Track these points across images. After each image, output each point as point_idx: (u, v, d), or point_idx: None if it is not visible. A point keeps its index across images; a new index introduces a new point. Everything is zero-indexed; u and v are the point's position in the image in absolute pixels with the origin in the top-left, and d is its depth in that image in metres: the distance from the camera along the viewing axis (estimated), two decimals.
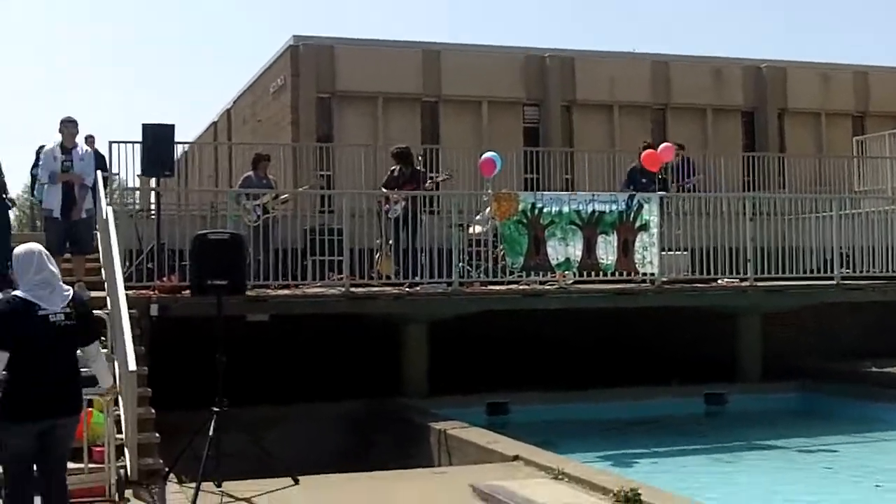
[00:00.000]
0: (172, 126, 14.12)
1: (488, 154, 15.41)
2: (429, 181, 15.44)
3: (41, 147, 13.47)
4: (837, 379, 15.56)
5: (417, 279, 14.17)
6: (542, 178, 21.49)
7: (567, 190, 18.83)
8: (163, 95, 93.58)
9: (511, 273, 14.45)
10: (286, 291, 13.60)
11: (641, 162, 15.99)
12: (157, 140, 13.91)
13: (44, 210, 12.20)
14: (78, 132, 12.20)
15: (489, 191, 15.08)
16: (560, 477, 9.03)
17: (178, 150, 19.23)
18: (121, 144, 16.75)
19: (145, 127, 14.05)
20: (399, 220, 14.47)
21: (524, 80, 24.58)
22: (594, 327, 16.08)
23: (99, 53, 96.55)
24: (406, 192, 14.52)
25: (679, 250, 15.60)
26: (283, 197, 15.22)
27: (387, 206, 14.73)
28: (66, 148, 12.01)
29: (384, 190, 14.93)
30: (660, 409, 14.53)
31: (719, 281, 15.47)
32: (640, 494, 6.93)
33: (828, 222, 16.40)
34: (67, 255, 12.10)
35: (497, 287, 14.68)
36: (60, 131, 12.02)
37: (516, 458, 9.94)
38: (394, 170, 15.54)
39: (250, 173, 15.22)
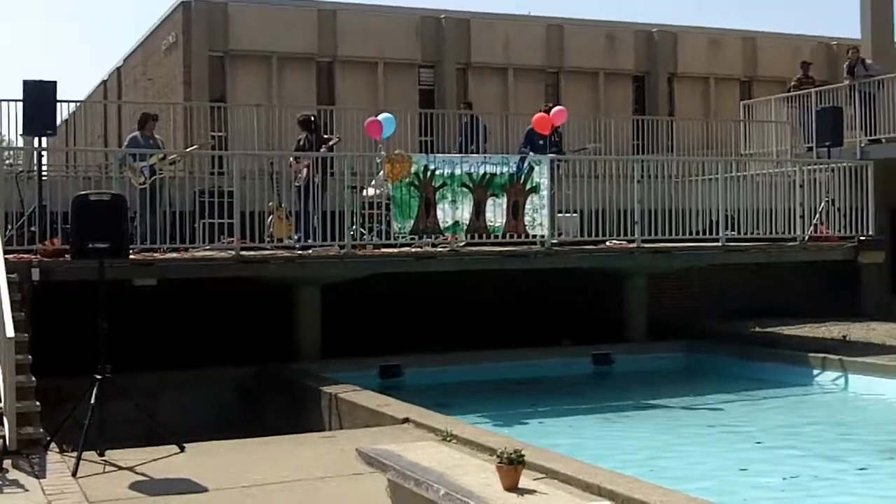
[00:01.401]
0: (54, 83, 13.65)
1: (378, 116, 15.32)
2: (324, 147, 15.36)
3: None
4: (721, 339, 16.00)
5: (310, 242, 14.09)
6: (437, 140, 21.51)
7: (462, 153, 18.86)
8: (50, 51, 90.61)
9: (398, 238, 14.44)
10: (175, 255, 13.35)
11: (533, 125, 16.08)
12: (38, 97, 13.44)
13: None
14: None
15: (383, 152, 15.02)
16: (448, 439, 9.08)
17: (65, 109, 18.71)
18: (2, 102, 16.27)
19: (26, 83, 13.57)
20: (304, 188, 14.37)
21: (420, 41, 24.50)
22: (486, 289, 16.21)
23: None
24: (297, 153, 14.46)
25: (570, 212, 15.78)
26: (171, 157, 14.93)
27: (297, 173, 14.61)
28: None
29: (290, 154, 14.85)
30: (549, 369, 14.75)
31: (608, 243, 15.71)
32: (523, 456, 6.98)
33: (714, 185, 16.74)
34: None
35: (390, 249, 14.65)
36: None
37: (406, 420, 9.97)
38: (300, 139, 15.44)
39: (136, 133, 14.92)
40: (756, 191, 17.45)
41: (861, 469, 9.75)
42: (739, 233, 16.84)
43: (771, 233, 17.00)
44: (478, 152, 17.33)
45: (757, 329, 16.13)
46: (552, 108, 16.91)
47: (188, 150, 16.08)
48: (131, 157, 13.96)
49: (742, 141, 22.75)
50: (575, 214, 15.70)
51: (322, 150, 15.05)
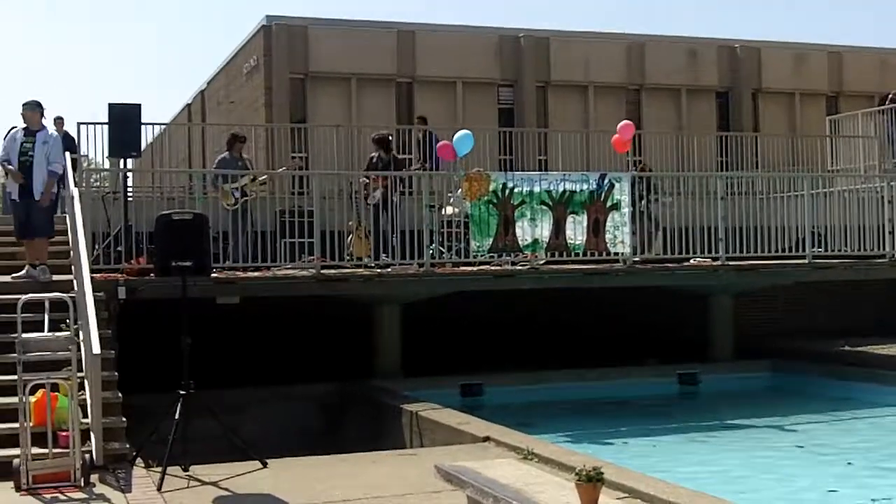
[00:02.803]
0: (139, 105, 13.94)
1: (457, 136, 15.30)
2: (408, 167, 15.51)
3: (12, 129, 13.29)
4: (809, 358, 15.65)
5: (388, 260, 14.13)
6: (516, 158, 21.45)
7: (541, 171, 18.79)
8: (138, 77, 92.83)
9: (477, 256, 14.37)
10: (257, 274, 13.48)
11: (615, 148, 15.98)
12: (123, 120, 13.72)
13: (7, 193, 12.05)
14: (41, 115, 11.96)
15: (461, 171, 15.02)
16: (529, 457, 9.01)
17: (149, 131, 19.06)
18: (89, 126, 16.62)
19: (111, 106, 13.87)
20: (378, 206, 14.43)
21: (499, 60, 24.51)
22: (567, 308, 16.07)
23: (69, 34, 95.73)
24: (380, 172, 14.54)
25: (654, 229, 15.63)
26: (261, 178, 15.09)
27: (365, 192, 14.68)
28: (31, 131, 11.83)
29: (363, 174, 14.91)
30: (633, 389, 14.58)
31: (691, 261, 15.48)
32: (602, 473, 6.88)
33: (800, 201, 16.42)
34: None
35: (469, 268, 14.61)
36: (22, 115, 11.86)
37: (487, 439, 9.92)
38: (373, 157, 15.53)
39: (225, 154, 15.06)
40: (844, 207, 17.08)
41: None
42: (827, 250, 16.48)
43: (859, 250, 16.61)
44: (433, 169, 17.14)
45: (846, 348, 15.73)
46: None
47: (279, 170, 16.20)
48: (222, 178, 14.12)
49: (829, 157, 22.30)
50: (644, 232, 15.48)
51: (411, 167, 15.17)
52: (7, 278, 11.82)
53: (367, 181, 14.69)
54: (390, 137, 15.98)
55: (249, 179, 14.37)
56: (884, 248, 16.56)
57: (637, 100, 25.69)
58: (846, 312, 17.26)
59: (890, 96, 21.59)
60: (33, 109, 11.85)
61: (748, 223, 15.93)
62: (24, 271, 11.92)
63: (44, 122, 12.03)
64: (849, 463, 10.66)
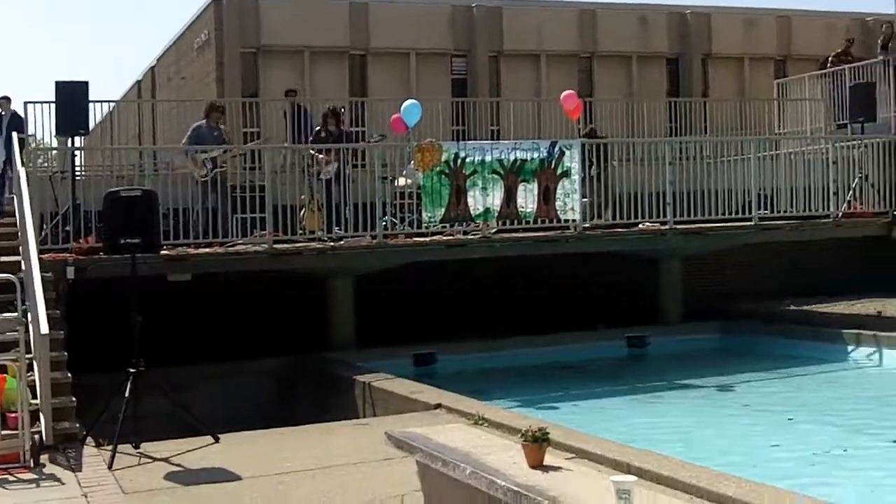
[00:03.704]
0: (86, 83, 13.82)
1: (404, 106, 15.35)
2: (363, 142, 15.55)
3: None
4: (756, 318, 15.91)
5: (341, 232, 14.21)
6: (469, 128, 21.54)
7: (494, 140, 18.88)
8: (85, 54, 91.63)
9: (429, 226, 14.47)
10: (208, 250, 13.51)
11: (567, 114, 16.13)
12: (70, 98, 13.61)
13: None
14: None
15: (413, 142, 15.09)
16: (480, 423, 9.17)
17: (99, 109, 18.97)
18: (36, 105, 16.52)
19: (58, 84, 13.75)
20: (331, 181, 14.46)
21: (451, 31, 24.46)
22: (519, 276, 16.22)
23: (11, 12, 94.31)
24: (331, 146, 14.58)
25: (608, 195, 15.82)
26: (250, 145, 14.90)
27: (317, 167, 14.70)
28: None
29: (313, 150, 14.90)
30: (583, 353, 14.77)
31: (640, 226, 15.68)
32: (547, 433, 7.05)
33: (747, 164, 16.63)
34: None
35: (421, 239, 14.71)
36: None
37: (438, 406, 10.08)
38: (319, 130, 15.50)
39: (202, 122, 14.89)
40: (790, 169, 17.34)
41: (894, 441, 9.70)
42: (773, 212, 16.73)
43: (805, 211, 16.88)
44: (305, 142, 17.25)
45: (792, 307, 16.02)
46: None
47: (250, 144, 15.93)
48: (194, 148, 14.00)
49: (776, 120, 22.57)
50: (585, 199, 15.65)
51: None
52: None
53: (320, 156, 14.69)
54: (342, 110, 15.98)
55: (222, 151, 14.27)
56: (828, 209, 16.83)
57: (589, 68, 25.75)
58: (793, 273, 17.53)
59: (831, 59, 21.89)
60: None
61: (696, 187, 16.13)
62: None
63: None
64: (789, 419, 10.92)
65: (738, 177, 16.56)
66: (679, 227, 15.66)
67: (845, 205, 16.92)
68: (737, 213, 16.36)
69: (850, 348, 13.94)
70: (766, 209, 16.57)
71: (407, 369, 13.18)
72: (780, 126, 22.31)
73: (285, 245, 13.94)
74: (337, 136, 15.28)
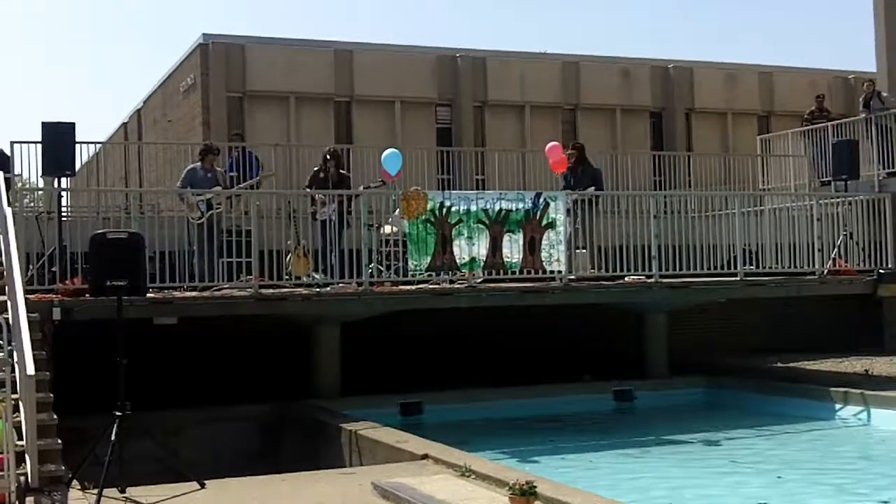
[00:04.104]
0: (73, 124, 13.78)
1: (384, 155, 15.38)
2: (364, 187, 15.54)
3: None
4: (742, 374, 15.90)
5: (327, 279, 14.17)
6: (454, 177, 21.63)
7: (479, 190, 18.93)
8: (73, 96, 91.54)
9: (415, 275, 14.44)
10: (194, 293, 13.42)
11: (551, 167, 16.19)
12: (56, 139, 13.57)
13: None
14: None
15: (399, 190, 15.10)
16: (467, 474, 9.09)
17: (85, 151, 18.87)
18: (23, 145, 16.46)
19: (44, 125, 13.72)
20: (327, 223, 14.39)
21: (436, 79, 24.68)
22: (505, 326, 16.18)
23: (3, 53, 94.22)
24: (330, 192, 14.59)
25: (583, 248, 15.82)
26: (266, 172, 14.76)
27: (313, 207, 14.66)
28: None
29: (311, 191, 14.88)
30: (570, 405, 14.70)
31: (626, 278, 15.70)
32: (535, 487, 7.02)
33: (732, 219, 16.71)
34: None
35: (408, 287, 14.67)
36: None
37: (425, 456, 9.98)
38: (318, 170, 15.46)
39: (196, 165, 14.87)
40: (774, 225, 17.44)
41: (883, 502, 9.66)
42: (758, 267, 16.80)
43: (790, 267, 16.95)
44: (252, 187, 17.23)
45: (778, 364, 16.03)
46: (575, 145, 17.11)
47: (253, 181, 15.79)
48: (189, 189, 14.00)
49: (760, 175, 22.76)
50: (584, 250, 15.69)
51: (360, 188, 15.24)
52: None
53: (319, 196, 14.63)
54: (341, 151, 16.02)
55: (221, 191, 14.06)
56: (814, 266, 16.91)
57: (573, 119, 26.02)
58: (778, 329, 17.59)
59: (805, 117, 22.17)
60: None
61: (681, 241, 16.17)
62: None
63: None
64: (778, 476, 10.86)
65: (723, 231, 16.62)
66: (664, 280, 15.67)
67: (830, 262, 17.00)
68: (722, 267, 16.39)
69: (837, 406, 13.92)
70: (751, 264, 16.62)
71: (393, 418, 13.07)
72: (764, 181, 22.50)
73: (271, 290, 13.85)
74: (336, 179, 15.25)
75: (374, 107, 24.06)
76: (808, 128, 21.85)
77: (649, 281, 15.65)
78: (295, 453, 12.59)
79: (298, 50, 23.62)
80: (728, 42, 78.19)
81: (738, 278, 16.25)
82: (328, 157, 15.56)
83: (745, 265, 16.37)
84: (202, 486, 9.23)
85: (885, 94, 20.72)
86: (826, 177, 19.95)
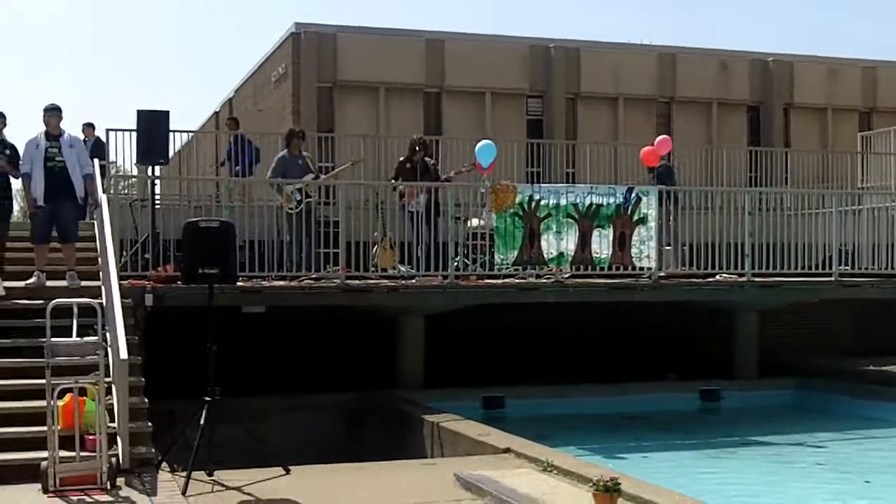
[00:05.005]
0: (167, 112, 13.97)
1: (478, 147, 15.32)
2: (450, 173, 15.52)
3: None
4: (833, 376, 15.58)
5: (413, 271, 14.22)
6: (544, 171, 21.51)
7: (569, 183, 18.80)
8: (170, 85, 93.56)
9: (502, 269, 14.40)
10: (282, 283, 13.59)
11: (642, 160, 15.98)
12: (151, 127, 13.75)
13: (30, 198, 11.89)
14: (61, 119, 11.88)
15: (487, 183, 15.08)
16: (549, 469, 9.09)
17: (178, 139, 19.21)
18: (117, 132, 16.81)
19: (140, 113, 13.91)
20: (417, 214, 14.43)
21: (528, 70, 24.48)
22: (591, 322, 16.08)
23: (98, 43, 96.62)
24: (419, 184, 14.59)
25: (679, 244, 15.63)
26: (353, 160, 14.94)
27: (402, 200, 14.69)
28: (52, 135, 11.78)
29: (399, 182, 14.89)
30: (655, 404, 14.55)
31: (717, 276, 15.47)
32: (619, 484, 6.96)
33: (828, 218, 16.36)
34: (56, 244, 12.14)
35: (493, 280, 14.65)
36: (44, 120, 11.79)
37: (507, 450, 10.00)
38: (404, 160, 15.41)
39: (284, 152, 14.83)
40: (872, 225, 17.02)
41: None
42: (854, 268, 16.41)
43: (888, 268, 16.53)
44: (245, 174, 16.92)
45: (870, 367, 15.67)
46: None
47: (344, 166, 15.76)
48: (280, 179, 14.05)
49: (860, 173, 22.21)
50: (669, 247, 15.47)
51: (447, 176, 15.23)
52: (21, 284, 11.85)
53: (407, 188, 14.64)
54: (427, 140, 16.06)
55: (314, 178, 14.14)
56: None
57: (667, 112, 25.63)
58: (872, 331, 17.17)
59: None
60: (56, 114, 11.81)
61: (776, 239, 15.89)
62: (33, 279, 11.84)
63: (62, 125, 12.01)
64: (867, 481, 10.63)
65: (818, 230, 16.26)
66: (757, 279, 15.40)
67: None
68: (817, 267, 16.05)
69: None
70: (846, 265, 16.25)
71: (475, 411, 13.11)
72: (863, 180, 21.94)
73: (357, 281, 13.96)
74: (423, 168, 15.26)
75: (465, 97, 23.99)
76: None
77: (741, 279, 15.40)
78: (378, 443, 12.70)
79: (390, 39, 23.65)
80: (831, 35, 76.47)
81: (832, 278, 15.90)
82: (416, 147, 15.48)
83: (840, 265, 16.01)
84: (287, 471, 9.40)
85: None
86: None
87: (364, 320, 14.70)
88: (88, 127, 18.22)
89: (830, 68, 26.92)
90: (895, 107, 25.50)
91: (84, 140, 17.90)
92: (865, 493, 10.25)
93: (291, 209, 13.97)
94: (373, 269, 14.31)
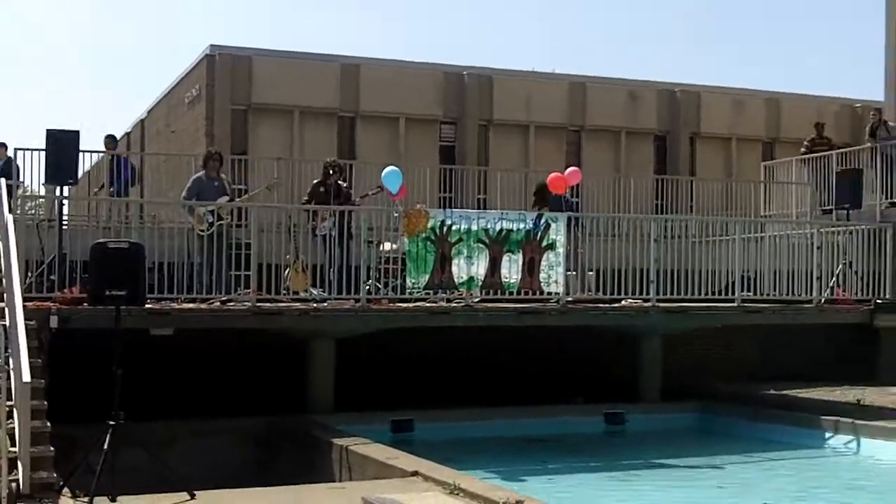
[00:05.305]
0: (77, 133, 13.82)
1: (385, 173, 15.41)
2: (359, 198, 15.56)
3: None
4: (735, 400, 15.91)
5: (323, 294, 14.23)
6: (456, 196, 21.70)
7: (481, 209, 19.00)
8: (75, 103, 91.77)
9: (413, 292, 14.49)
10: (191, 305, 13.50)
11: (548, 184, 16.22)
12: (60, 146, 13.60)
13: None
14: None
15: (400, 207, 15.18)
16: (456, 492, 9.15)
17: (87, 159, 18.98)
18: (25, 152, 16.58)
19: (49, 133, 13.73)
20: (327, 238, 14.43)
21: (442, 97, 24.78)
22: (500, 345, 16.20)
23: (8, 57, 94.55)
24: (330, 207, 14.63)
25: (586, 270, 15.87)
26: (270, 183, 14.95)
27: (313, 222, 14.69)
28: None
29: (310, 206, 14.91)
30: (561, 427, 14.70)
31: (623, 302, 15.75)
32: None
33: (732, 245, 16.76)
34: None
35: (405, 304, 14.73)
36: None
37: (415, 473, 10.03)
38: (318, 183, 15.44)
39: (200, 174, 14.79)
40: (774, 252, 17.48)
41: None
42: (757, 294, 16.82)
43: (788, 294, 16.99)
44: (121, 195, 17.10)
45: (771, 391, 16.03)
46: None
47: (259, 189, 15.77)
48: (195, 201, 13.99)
49: (762, 202, 22.82)
50: (573, 272, 15.70)
51: (358, 200, 15.27)
52: None
53: (316, 210, 14.67)
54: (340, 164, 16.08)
55: (228, 201, 14.07)
56: (812, 294, 16.95)
57: (577, 140, 26.11)
58: (774, 356, 17.58)
59: (805, 144, 22.20)
60: None
61: (680, 266, 16.21)
62: None
63: None
64: (765, 503, 10.90)
65: (722, 257, 16.66)
66: (662, 304, 15.72)
67: (828, 290, 17.05)
68: (720, 293, 16.44)
69: (827, 435, 13.93)
70: (749, 291, 16.66)
71: (385, 435, 13.13)
72: (766, 208, 22.54)
73: (268, 304, 13.92)
74: (336, 191, 15.29)
75: (379, 123, 24.17)
76: (811, 155, 21.88)
77: (647, 305, 15.70)
78: (287, 467, 12.63)
79: (305, 63, 23.73)
80: (736, 67, 78.32)
81: (735, 304, 16.28)
82: (331, 170, 15.52)
83: (743, 291, 16.41)
84: (192, 496, 9.26)
85: (892, 123, 20.70)
86: (829, 205, 19.97)
87: (275, 344, 14.62)
88: (1, 147, 17.93)
89: (736, 99, 27.71)
90: (797, 137, 26.18)
91: None
92: None
93: (202, 231, 13.91)
94: (285, 291, 14.28)
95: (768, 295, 16.96)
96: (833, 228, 17.99)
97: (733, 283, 16.45)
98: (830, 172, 20.37)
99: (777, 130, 27.73)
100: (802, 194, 21.91)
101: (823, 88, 67.91)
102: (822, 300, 16.98)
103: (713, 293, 16.41)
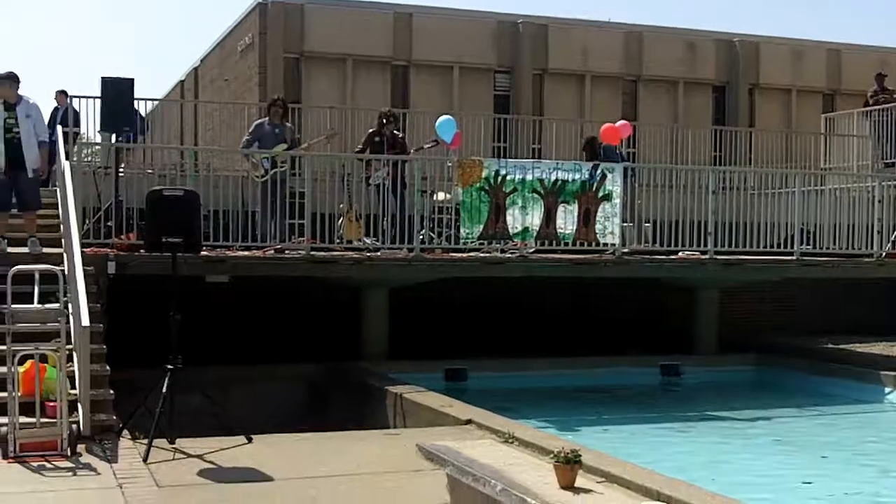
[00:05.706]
0: (132, 80, 13.77)
1: (438, 122, 15.26)
2: (416, 148, 15.49)
3: None
4: (792, 353, 15.77)
5: (378, 244, 14.21)
6: (510, 146, 21.52)
7: (535, 159, 18.83)
8: (133, 52, 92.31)
9: (466, 243, 14.41)
10: (246, 253, 13.55)
11: (601, 136, 16.04)
12: (115, 94, 13.55)
13: None
14: (18, 87, 11.69)
15: (454, 157, 15.08)
16: (510, 440, 9.14)
17: (142, 107, 19.03)
18: (81, 99, 16.63)
19: (104, 81, 13.69)
20: (381, 187, 14.39)
21: (496, 46, 24.48)
22: (554, 296, 16.16)
23: (65, 8, 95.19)
24: (384, 157, 14.55)
25: (643, 221, 15.71)
26: (329, 132, 14.96)
27: (367, 172, 14.65)
28: (10, 104, 11.63)
29: (364, 154, 14.84)
30: (616, 378, 14.70)
31: (680, 254, 15.58)
32: (580, 455, 7.02)
33: (791, 198, 16.49)
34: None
35: (458, 254, 14.68)
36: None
37: (469, 422, 10.05)
38: (373, 132, 15.33)
39: (263, 119, 14.78)
40: (834, 205, 17.18)
41: None
42: (815, 247, 16.57)
43: (848, 248, 16.71)
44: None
45: (829, 345, 15.86)
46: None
47: (319, 138, 15.72)
48: (256, 147, 13.97)
49: (822, 155, 22.41)
50: (630, 224, 15.53)
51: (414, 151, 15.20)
52: None
53: (371, 160, 14.61)
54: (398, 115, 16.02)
55: (284, 149, 14.07)
56: (871, 248, 16.66)
57: (633, 91, 25.74)
58: (832, 310, 17.37)
59: (869, 94, 21.70)
60: (10, 82, 11.67)
61: (739, 218, 15.99)
62: None
63: (19, 93, 11.85)
64: (823, 456, 10.80)
65: (781, 210, 16.40)
66: (719, 257, 15.53)
67: (889, 245, 16.73)
68: (778, 246, 16.20)
69: (886, 390, 13.78)
70: (808, 245, 16.40)
71: (438, 384, 13.15)
72: (826, 161, 22.13)
73: (322, 253, 13.94)
74: (391, 141, 15.22)
75: (432, 71, 23.95)
76: (873, 108, 21.41)
77: (704, 257, 15.52)
78: (341, 413, 12.71)
79: (357, 11, 23.51)
80: (796, 17, 76.80)
81: (793, 258, 16.05)
82: (385, 119, 15.42)
83: (802, 245, 16.16)
84: (249, 440, 9.39)
85: None
86: (890, 158, 19.56)
87: (329, 292, 14.68)
88: (62, 94, 18.01)
89: (795, 50, 27.12)
90: (858, 89, 25.65)
91: (56, 107, 17.82)
92: (821, 466, 10.40)
93: (258, 177, 13.92)
94: (338, 240, 14.28)
95: (827, 249, 16.68)
96: (894, 182, 17.60)
97: (792, 236, 16.19)
98: (892, 125, 19.93)
99: (838, 82, 27.11)
100: (863, 147, 21.48)
101: (886, 38, 66.27)
102: (883, 254, 16.66)
103: (771, 246, 16.16)
